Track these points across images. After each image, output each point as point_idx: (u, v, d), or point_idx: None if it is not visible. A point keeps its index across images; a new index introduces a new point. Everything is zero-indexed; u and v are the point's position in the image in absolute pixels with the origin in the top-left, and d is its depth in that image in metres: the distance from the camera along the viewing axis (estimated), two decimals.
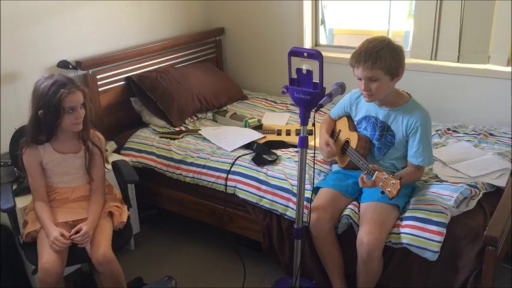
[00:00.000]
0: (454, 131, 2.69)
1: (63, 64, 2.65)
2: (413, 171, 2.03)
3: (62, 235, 1.85)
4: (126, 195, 2.19)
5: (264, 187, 2.29)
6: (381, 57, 1.88)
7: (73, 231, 1.89)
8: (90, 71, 2.77)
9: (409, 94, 2.07)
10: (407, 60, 2.82)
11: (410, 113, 2.00)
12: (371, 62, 1.88)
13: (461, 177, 2.18)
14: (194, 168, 2.50)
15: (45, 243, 1.86)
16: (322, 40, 3.43)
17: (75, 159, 2.02)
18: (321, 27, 3.42)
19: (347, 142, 2.18)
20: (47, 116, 1.87)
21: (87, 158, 2.02)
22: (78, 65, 2.71)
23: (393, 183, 1.75)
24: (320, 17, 3.35)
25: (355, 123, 2.20)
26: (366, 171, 1.87)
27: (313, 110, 1.80)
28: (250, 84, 3.59)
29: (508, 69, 2.66)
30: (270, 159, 2.41)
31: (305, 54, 1.74)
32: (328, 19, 3.59)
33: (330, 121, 2.36)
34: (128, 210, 2.13)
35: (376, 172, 1.83)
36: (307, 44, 3.33)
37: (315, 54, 1.72)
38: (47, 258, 1.81)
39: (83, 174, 2.04)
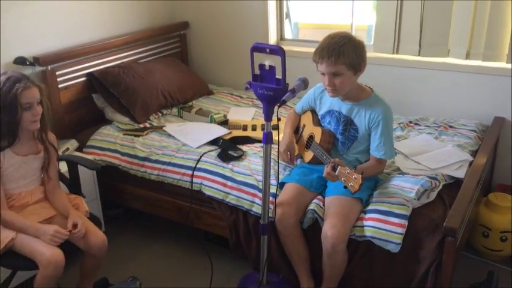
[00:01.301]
0: (415, 124, 2.74)
1: (20, 61, 2.57)
2: (376, 164, 2.06)
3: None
4: (78, 186, 2.18)
5: (229, 183, 2.30)
6: (343, 53, 1.89)
7: (69, 225, 1.88)
8: (49, 67, 2.70)
9: (371, 88, 2.10)
10: (370, 54, 2.86)
11: (372, 107, 2.03)
12: (334, 58, 1.89)
13: (422, 170, 2.23)
14: (159, 166, 2.49)
15: (37, 243, 1.82)
16: (288, 34, 3.44)
17: (34, 161, 1.97)
18: (286, 21, 3.42)
19: (311, 137, 2.19)
20: (5, 114, 1.81)
21: (45, 158, 1.97)
22: (36, 61, 2.64)
23: (355, 178, 1.78)
24: (285, 10, 3.36)
25: (319, 117, 2.21)
26: (329, 165, 1.90)
27: (277, 105, 1.80)
28: (215, 79, 3.58)
29: (467, 62, 2.72)
30: (235, 155, 2.42)
31: (267, 50, 1.73)
32: (294, 13, 3.60)
33: (294, 116, 2.37)
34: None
35: (339, 167, 1.86)
36: (273, 38, 3.34)
37: (277, 50, 1.72)
38: (53, 252, 1.79)
39: (39, 175, 2.00)
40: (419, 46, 2.80)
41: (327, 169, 1.90)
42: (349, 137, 2.11)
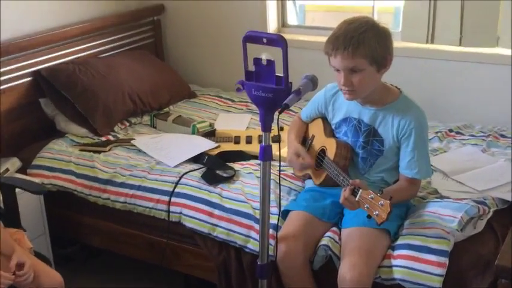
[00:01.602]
0: (457, 133, 2.76)
1: None
2: (407, 186, 2.07)
3: None
4: (16, 217, 2.14)
5: (217, 212, 2.30)
6: (364, 43, 1.91)
7: (12, 265, 1.89)
8: None
9: (399, 89, 2.11)
10: (398, 44, 2.83)
11: (401, 112, 2.05)
12: (352, 49, 1.91)
13: (466, 192, 2.23)
14: (126, 190, 2.50)
15: None
16: (292, 19, 3.46)
17: None
18: (290, 3, 3.44)
19: (323, 151, 2.19)
20: None
21: None
22: None
23: (382, 205, 1.77)
24: None
25: (333, 126, 2.22)
26: (347, 188, 1.89)
27: (277, 111, 1.80)
28: (199, 77, 3.58)
29: None
30: (225, 175, 2.42)
31: (264, 39, 1.73)
32: None
33: (300, 124, 2.37)
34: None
35: (360, 190, 1.85)
36: (272, 25, 3.35)
37: (277, 40, 1.72)
38: None
39: None
40: (461, 34, 2.82)
41: (344, 193, 1.89)
42: (372, 151, 2.12)
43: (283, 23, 3.41)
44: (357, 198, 1.86)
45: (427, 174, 2.08)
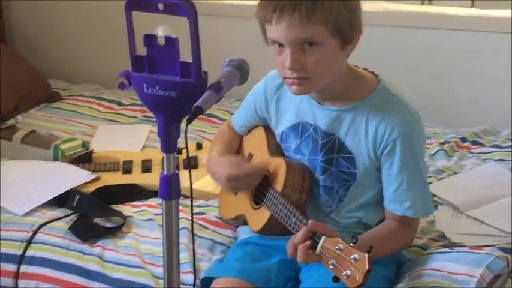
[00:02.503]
0: (474, 143, 2.83)
1: None
2: (396, 229, 2.10)
3: None
4: None
5: (97, 286, 2.32)
6: (322, 3, 1.94)
7: None
8: None
9: (376, 75, 2.15)
10: (377, 5, 2.89)
11: (381, 112, 2.08)
12: (306, 10, 1.93)
13: (488, 235, 2.28)
14: None
15: None
16: None
17: None
18: None
19: (265, 179, 2.22)
20: None
21: None
22: None
23: (356, 260, 1.77)
24: None
25: (278, 138, 2.26)
26: (301, 233, 1.90)
27: (186, 118, 1.77)
28: (66, 69, 3.63)
29: None
30: (108, 225, 2.45)
31: (160, 5, 1.72)
32: None
33: (230, 137, 2.45)
34: None
35: (323, 238, 1.86)
36: None
37: (179, 5, 1.71)
38: None
39: None
40: None
41: (295, 240, 1.90)
42: (338, 175, 2.14)
43: None
44: (317, 251, 1.86)
45: (426, 210, 2.12)
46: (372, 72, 2.15)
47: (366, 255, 1.76)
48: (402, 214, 2.07)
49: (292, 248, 1.90)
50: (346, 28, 1.98)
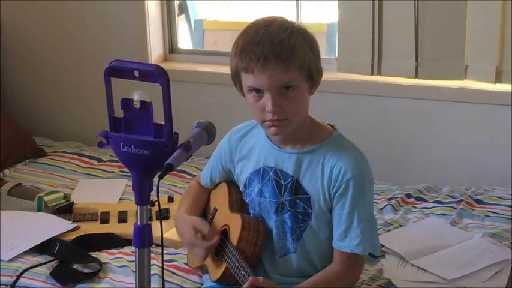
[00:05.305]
0: (418, 199, 2.94)
1: None
2: (341, 270, 2.12)
3: None
4: None
5: None
6: (297, 49, 2.00)
7: None
8: None
9: (332, 126, 2.22)
10: (332, 75, 2.94)
11: (336, 155, 2.12)
12: (287, 58, 1.98)
13: (431, 283, 2.37)
14: None
15: None
16: (185, 42, 3.61)
17: None
18: (182, 19, 3.65)
19: (225, 233, 2.27)
20: None
21: None
22: None
23: None
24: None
25: (242, 186, 2.29)
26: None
27: (158, 174, 1.82)
28: (50, 128, 3.67)
29: (498, 87, 2.97)
30: (86, 271, 2.50)
31: (136, 72, 1.79)
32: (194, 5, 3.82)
33: (198, 192, 2.47)
34: None
35: None
36: (156, 50, 3.48)
37: (153, 73, 1.77)
38: None
39: None
40: (416, 62, 3.03)
41: None
42: (296, 216, 2.17)
43: (171, 48, 3.51)
44: None
45: (373, 247, 2.12)
46: (329, 124, 2.21)
47: None
48: (351, 251, 2.08)
49: None
50: (315, 72, 2.06)
